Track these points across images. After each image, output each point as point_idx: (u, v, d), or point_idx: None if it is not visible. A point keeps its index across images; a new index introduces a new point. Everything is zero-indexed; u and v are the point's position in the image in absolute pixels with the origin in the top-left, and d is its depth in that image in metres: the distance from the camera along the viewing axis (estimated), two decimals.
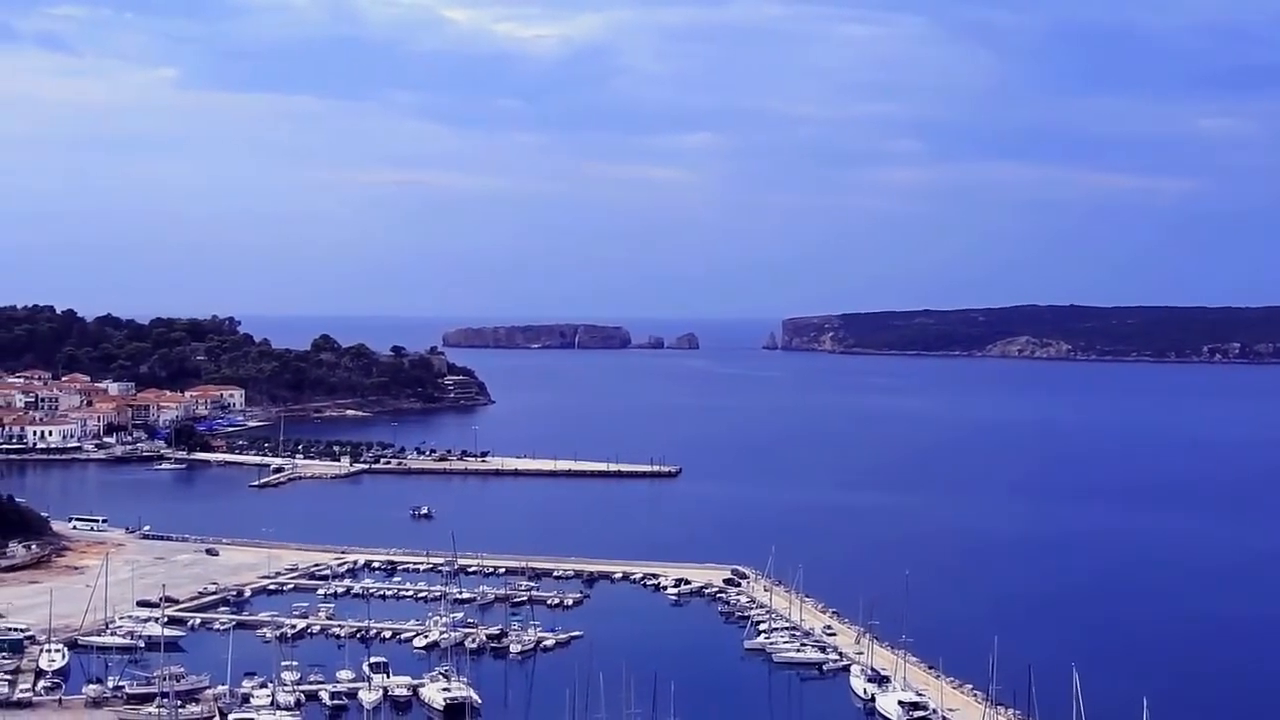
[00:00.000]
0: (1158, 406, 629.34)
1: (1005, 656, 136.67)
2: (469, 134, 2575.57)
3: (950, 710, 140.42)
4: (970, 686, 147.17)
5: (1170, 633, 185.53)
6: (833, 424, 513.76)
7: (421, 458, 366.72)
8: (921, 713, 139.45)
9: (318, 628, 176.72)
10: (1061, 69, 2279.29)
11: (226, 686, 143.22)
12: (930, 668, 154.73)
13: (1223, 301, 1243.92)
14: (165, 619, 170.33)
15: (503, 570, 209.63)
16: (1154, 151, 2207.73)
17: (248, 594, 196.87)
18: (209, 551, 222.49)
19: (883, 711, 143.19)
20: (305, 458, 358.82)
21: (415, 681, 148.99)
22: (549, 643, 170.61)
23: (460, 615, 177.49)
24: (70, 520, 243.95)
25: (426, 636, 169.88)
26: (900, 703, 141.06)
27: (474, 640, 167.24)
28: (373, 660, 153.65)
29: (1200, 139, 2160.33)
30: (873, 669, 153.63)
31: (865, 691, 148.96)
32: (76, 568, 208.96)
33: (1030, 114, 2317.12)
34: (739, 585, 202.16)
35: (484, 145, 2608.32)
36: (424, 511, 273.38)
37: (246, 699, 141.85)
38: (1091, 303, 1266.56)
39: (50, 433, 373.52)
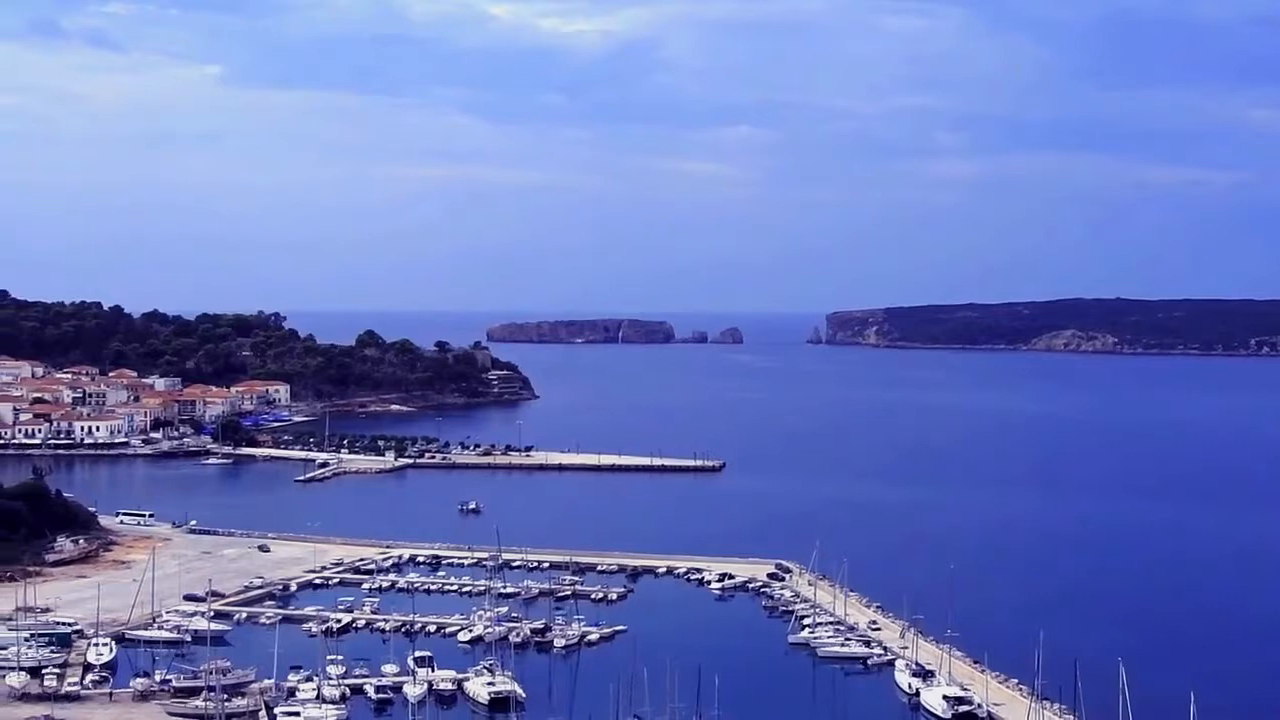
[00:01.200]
0: (1203, 400, 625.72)
1: (1051, 651, 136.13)
2: (511, 129, 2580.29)
3: (995, 705, 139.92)
4: (1016, 681, 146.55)
5: (1217, 627, 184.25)
6: (877, 418, 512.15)
7: (466, 452, 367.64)
8: (966, 707, 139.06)
9: (363, 622, 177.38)
10: (1107, 60, 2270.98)
11: (272, 680, 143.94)
12: (975, 662, 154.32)
13: (1271, 294, 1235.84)
14: (211, 613, 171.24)
15: (547, 565, 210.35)
16: (1201, 143, 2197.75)
17: (293, 588, 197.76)
18: (261, 548, 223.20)
19: (927, 706, 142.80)
20: (350, 453, 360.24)
21: (460, 676, 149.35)
22: (593, 637, 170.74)
23: (505, 610, 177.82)
24: (118, 515, 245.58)
25: (471, 631, 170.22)
26: (945, 697, 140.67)
27: (518, 634, 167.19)
28: (417, 654, 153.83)
29: (1249, 130, 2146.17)
30: (917, 663, 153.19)
31: (910, 686, 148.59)
32: (124, 562, 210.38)
33: (1075, 106, 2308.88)
34: (783, 580, 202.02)
35: (526, 140, 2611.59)
36: (472, 506, 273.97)
37: (292, 693, 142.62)
38: (1138, 295, 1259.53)
39: (98, 428, 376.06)
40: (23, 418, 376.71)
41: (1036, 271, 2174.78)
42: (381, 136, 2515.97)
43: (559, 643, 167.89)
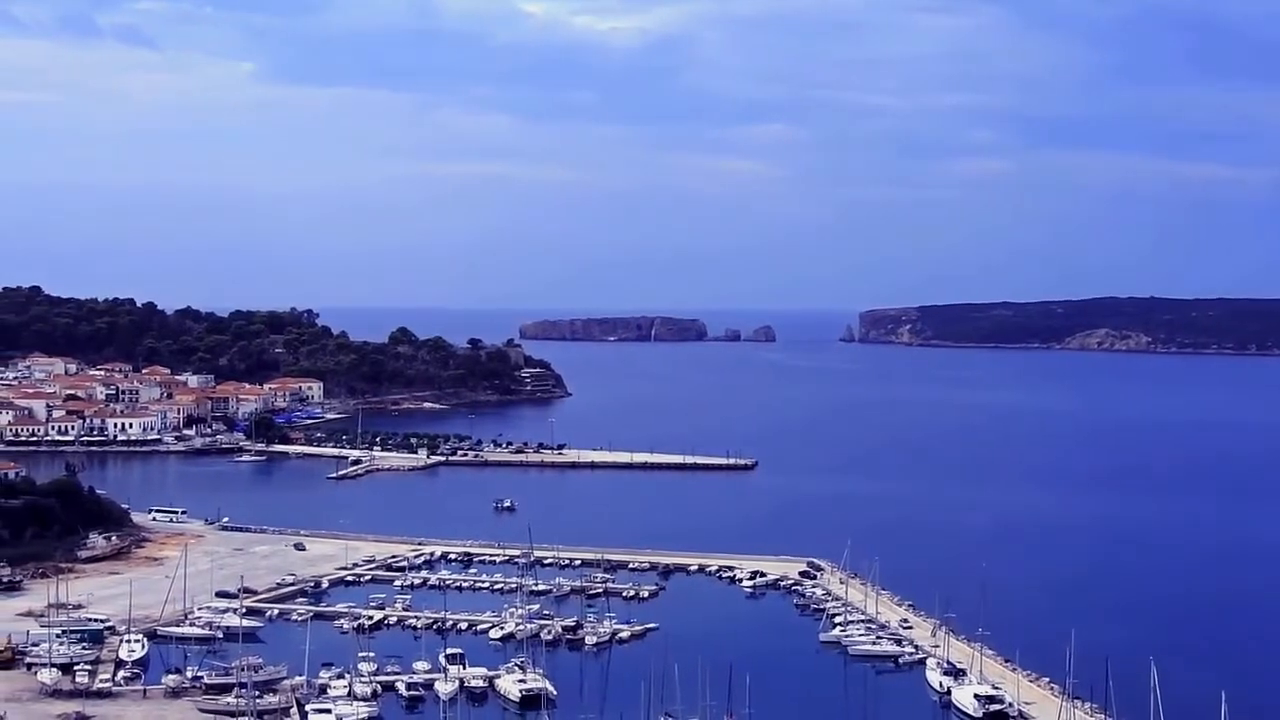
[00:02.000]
0: (1236, 398, 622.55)
1: (1083, 650, 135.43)
2: (545, 127, 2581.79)
3: (1027, 703, 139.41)
4: (1047, 679, 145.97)
5: (1250, 626, 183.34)
6: (909, 417, 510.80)
7: (498, 450, 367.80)
8: (998, 706, 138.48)
9: (394, 619, 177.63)
10: (1143, 58, 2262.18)
11: (304, 677, 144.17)
12: (1006, 661, 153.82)
13: None
14: (243, 610, 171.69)
15: (579, 562, 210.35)
16: (1238, 141, 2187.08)
17: (325, 585, 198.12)
18: (297, 547, 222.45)
19: (959, 704, 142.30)
20: (383, 450, 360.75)
21: (491, 673, 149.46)
22: (624, 635, 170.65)
23: (536, 607, 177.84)
24: (150, 512, 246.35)
25: (502, 628, 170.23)
26: (976, 696, 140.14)
27: (550, 632, 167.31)
28: (449, 651, 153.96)
29: None
30: (949, 662, 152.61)
31: (941, 685, 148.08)
32: (156, 559, 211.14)
33: (1111, 103, 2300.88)
34: (815, 578, 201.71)
35: (559, 138, 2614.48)
36: (507, 504, 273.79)
37: (324, 690, 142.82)
38: (1172, 294, 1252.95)
39: (131, 425, 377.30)
40: (56, 414, 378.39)
41: (1072, 270, 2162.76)
42: (415, 134, 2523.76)
43: (590, 640, 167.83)
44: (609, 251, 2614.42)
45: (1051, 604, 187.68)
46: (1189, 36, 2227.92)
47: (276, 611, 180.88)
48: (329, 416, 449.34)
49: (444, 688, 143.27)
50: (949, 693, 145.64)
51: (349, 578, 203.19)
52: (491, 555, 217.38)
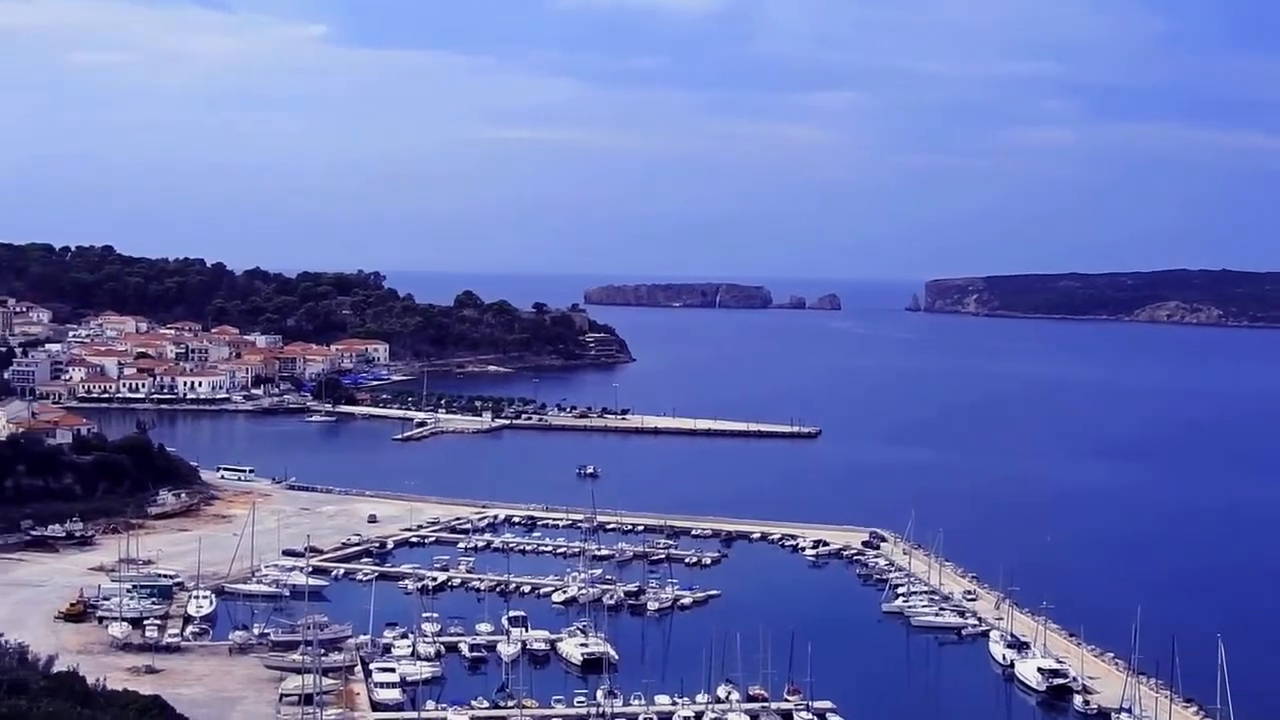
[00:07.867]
0: None
1: (1148, 626, 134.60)
2: (611, 91, 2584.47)
3: (1091, 679, 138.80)
4: (1112, 655, 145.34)
5: None
6: (975, 388, 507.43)
7: (562, 414, 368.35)
8: (1061, 680, 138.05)
9: (458, 581, 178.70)
10: (1224, 27, 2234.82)
11: (368, 636, 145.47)
12: (1071, 635, 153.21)
13: None
14: (310, 569, 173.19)
15: (641, 528, 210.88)
16: None
17: (390, 546, 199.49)
18: (370, 519, 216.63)
19: (1022, 678, 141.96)
20: (447, 412, 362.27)
21: (553, 636, 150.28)
22: (686, 601, 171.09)
23: (599, 571, 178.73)
24: (218, 470, 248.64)
25: (565, 592, 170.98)
26: (1040, 670, 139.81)
27: (612, 597, 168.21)
28: (512, 614, 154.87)
29: None
30: (1012, 635, 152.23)
31: (1004, 657, 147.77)
32: (224, 516, 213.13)
33: (1187, 74, 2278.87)
34: (877, 548, 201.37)
35: (626, 102, 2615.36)
36: (589, 471, 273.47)
37: (388, 649, 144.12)
38: (1244, 267, 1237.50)
39: (200, 384, 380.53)
40: (127, 372, 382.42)
41: (1142, 242, 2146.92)
42: (482, 97, 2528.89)
43: (652, 606, 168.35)
44: (674, 217, 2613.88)
45: (1117, 578, 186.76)
46: (1270, 7, 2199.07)
47: (342, 571, 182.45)
48: (395, 378, 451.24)
49: (506, 649, 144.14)
50: (1012, 665, 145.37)
51: (414, 539, 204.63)
52: (555, 519, 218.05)
